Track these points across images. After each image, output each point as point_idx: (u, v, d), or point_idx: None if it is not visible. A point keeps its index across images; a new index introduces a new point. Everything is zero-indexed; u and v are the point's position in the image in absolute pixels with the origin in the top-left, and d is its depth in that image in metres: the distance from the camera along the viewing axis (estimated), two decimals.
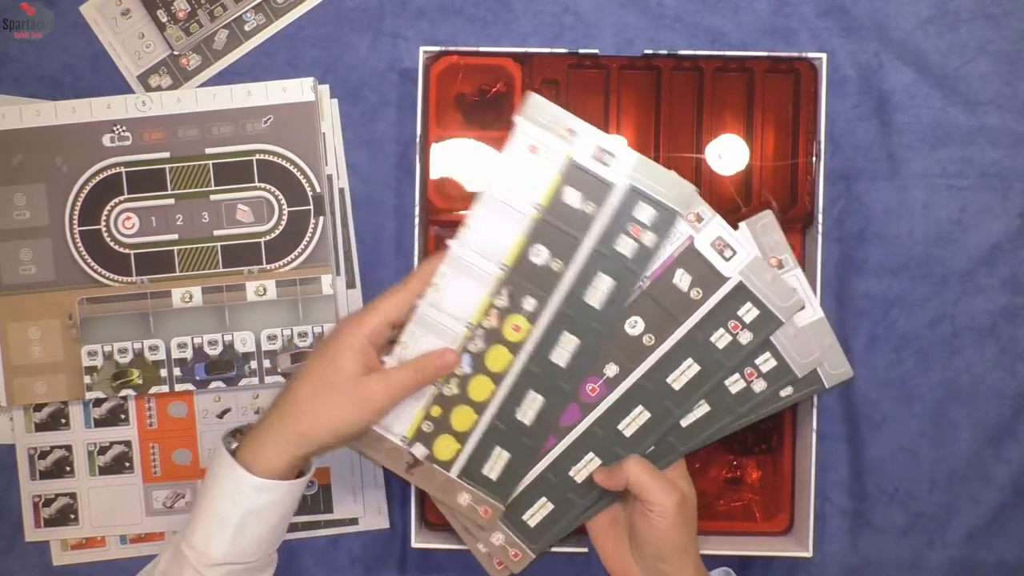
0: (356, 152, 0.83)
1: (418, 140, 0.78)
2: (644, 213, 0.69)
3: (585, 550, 0.77)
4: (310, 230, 0.81)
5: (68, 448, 0.82)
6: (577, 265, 0.69)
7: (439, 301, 0.70)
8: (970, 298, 0.82)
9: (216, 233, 0.81)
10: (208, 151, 0.81)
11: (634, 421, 0.71)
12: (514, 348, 0.70)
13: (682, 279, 0.70)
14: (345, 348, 0.67)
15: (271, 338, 0.81)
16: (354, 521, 0.83)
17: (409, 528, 0.77)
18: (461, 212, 0.79)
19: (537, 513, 0.73)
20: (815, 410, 0.75)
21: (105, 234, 0.81)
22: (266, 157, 0.81)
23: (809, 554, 0.76)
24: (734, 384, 0.71)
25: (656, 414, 0.71)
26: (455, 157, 0.79)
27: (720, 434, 0.71)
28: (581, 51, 0.78)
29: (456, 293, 0.69)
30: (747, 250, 0.69)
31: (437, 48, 0.78)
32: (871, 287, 0.82)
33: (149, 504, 0.83)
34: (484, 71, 0.79)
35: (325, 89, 0.82)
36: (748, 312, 0.70)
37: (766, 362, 0.71)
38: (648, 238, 0.69)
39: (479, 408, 0.70)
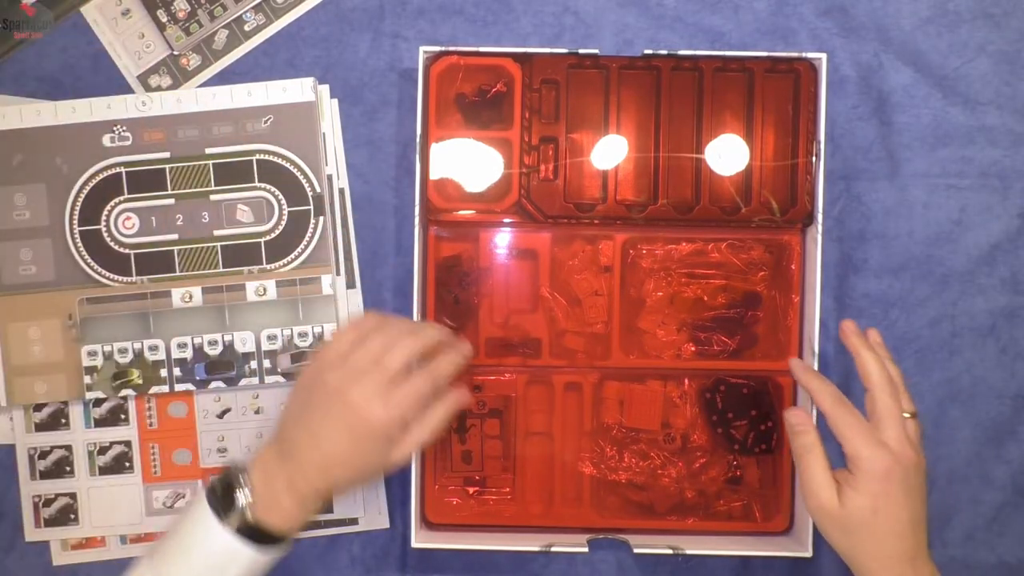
0: (356, 152, 0.83)
1: (418, 140, 0.78)
2: None
3: (586, 550, 0.77)
4: (310, 230, 0.81)
5: (68, 448, 0.82)
6: None
7: None
8: (970, 298, 0.82)
9: (216, 233, 0.81)
10: (208, 151, 0.81)
11: None
12: None
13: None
14: (381, 445, 0.68)
15: (271, 338, 0.81)
16: (354, 521, 0.83)
17: (409, 528, 0.77)
18: (461, 212, 0.79)
19: None
20: (815, 410, 0.75)
21: (105, 234, 0.81)
22: (266, 157, 0.81)
23: (809, 554, 0.76)
24: None
25: None
26: (455, 157, 0.79)
27: None
28: (581, 51, 0.78)
29: None
30: None
31: (437, 48, 0.78)
32: (871, 287, 0.82)
33: (149, 504, 0.83)
34: (484, 71, 0.79)
35: (325, 89, 0.82)
36: None
37: None
38: None
39: None
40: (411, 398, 0.68)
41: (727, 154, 0.79)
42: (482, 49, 0.78)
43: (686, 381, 0.81)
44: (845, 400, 0.69)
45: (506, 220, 0.79)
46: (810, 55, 0.78)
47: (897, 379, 0.70)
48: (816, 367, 0.76)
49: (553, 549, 0.77)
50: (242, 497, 0.66)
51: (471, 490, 0.81)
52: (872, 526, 0.66)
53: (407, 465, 0.72)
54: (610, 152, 0.79)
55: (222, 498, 0.67)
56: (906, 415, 0.68)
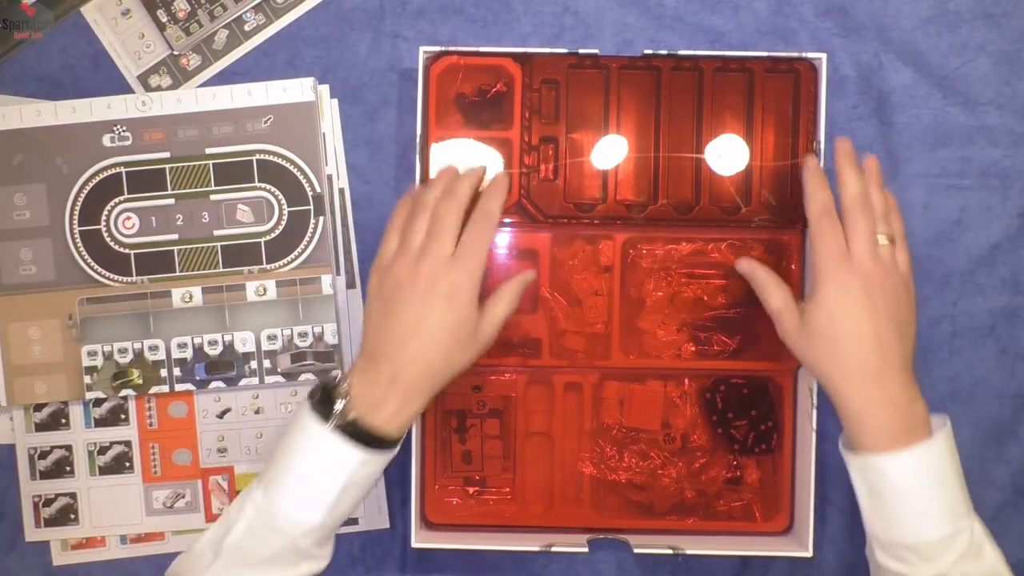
0: (356, 152, 0.83)
1: (418, 140, 0.78)
2: None
3: (586, 550, 0.77)
4: (310, 230, 0.81)
5: (68, 448, 0.82)
6: None
7: None
8: (970, 298, 0.82)
9: (216, 233, 0.81)
10: (208, 151, 0.81)
11: None
12: None
13: None
14: (471, 305, 0.69)
15: (271, 338, 0.81)
16: (354, 521, 0.83)
17: (409, 528, 0.77)
18: None
19: None
20: (815, 410, 0.75)
21: (105, 234, 0.81)
22: (266, 157, 0.81)
23: (809, 554, 0.76)
24: None
25: None
26: (455, 157, 0.79)
27: None
28: (581, 51, 0.78)
29: None
30: None
31: (437, 48, 0.78)
32: None
33: (149, 504, 0.83)
34: (484, 71, 0.79)
35: (325, 89, 0.82)
36: None
37: None
38: None
39: None
40: (476, 243, 0.69)
41: (727, 154, 0.79)
42: (482, 49, 0.78)
43: (686, 381, 0.81)
44: (833, 213, 0.69)
45: (506, 220, 0.79)
46: (810, 55, 0.78)
47: (881, 205, 0.70)
48: None
49: (553, 549, 0.77)
50: (341, 401, 0.67)
51: (471, 490, 0.81)
52: (832, 337, 0.67)
53: (493, 341, 0.71)
54: (610, 152, 0.79)
55: (322, 405, 0.68)
56: (882, 238, 0.68)
